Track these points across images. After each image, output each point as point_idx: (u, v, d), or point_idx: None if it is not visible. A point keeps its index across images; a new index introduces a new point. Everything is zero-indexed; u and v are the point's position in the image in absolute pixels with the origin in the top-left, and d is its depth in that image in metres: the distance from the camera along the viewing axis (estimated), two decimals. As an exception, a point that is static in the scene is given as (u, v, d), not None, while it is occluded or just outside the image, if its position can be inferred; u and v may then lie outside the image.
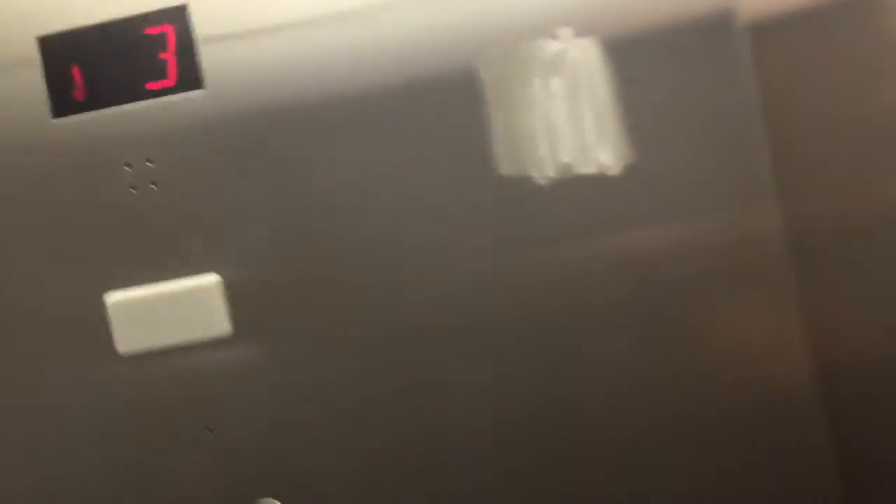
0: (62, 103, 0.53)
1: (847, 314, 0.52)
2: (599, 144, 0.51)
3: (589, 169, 0.51)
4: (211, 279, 0.53)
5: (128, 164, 0.53)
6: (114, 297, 0.53)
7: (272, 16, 0.52)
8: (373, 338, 0.53)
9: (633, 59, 0.51)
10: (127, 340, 0.53)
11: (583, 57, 0.50)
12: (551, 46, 0.51)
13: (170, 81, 0.53)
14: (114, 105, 0.53)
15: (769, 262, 0.51)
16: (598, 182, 0.51)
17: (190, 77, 0.53)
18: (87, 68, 0.53)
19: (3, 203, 0.53)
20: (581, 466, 0.53)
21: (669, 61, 0.51)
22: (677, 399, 0.52)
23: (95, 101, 0.53)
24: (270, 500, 0.54)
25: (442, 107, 0.52)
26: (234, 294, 0.53)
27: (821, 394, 0.51)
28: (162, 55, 0.53)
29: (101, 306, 0.53)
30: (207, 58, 0.53)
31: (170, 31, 0.53)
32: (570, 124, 0.51)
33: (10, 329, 0.53)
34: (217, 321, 0.53)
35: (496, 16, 0.51)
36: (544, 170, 0.51)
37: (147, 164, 0.53)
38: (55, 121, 0.53)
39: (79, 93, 0.53)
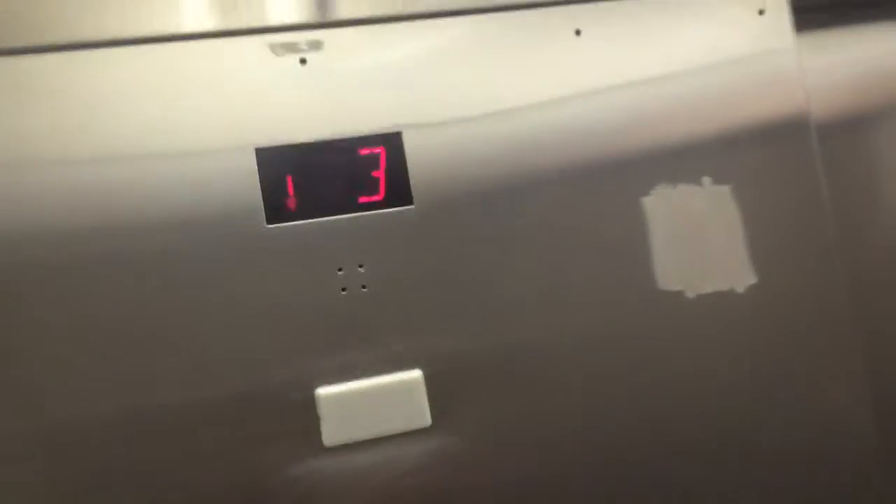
0: (276, 211, 0.58)
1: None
2: (730, 267, 0.65)
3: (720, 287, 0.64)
4: (414, 374, 0.59)
5: (340, 269, 0.58)
6: (324, 391, 0.57)
7: (475, 138, 0.61)
8: (572, 428, 0.61)
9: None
10: (334, 433, 0.57)
11: (716, 200, 0.65)
12: (695, 191, 0.64)
13: (380, 196, 0.60)
14: (326, 215, 0.59)
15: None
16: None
17: (400, 194, 0.60)
18: (301, 180, 0.59)
19: (222, 301, 0.56)
20: None
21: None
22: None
23: (308, 210, 0.59)
24: None
25: (610, 223, 0.63)
26: (433, 387, 0.59)
27: None
28: (374, 173, 0.60)
29: (310, 399, 0.57)
30: (415, 178, 0.60)
31: (382, 152, 0.60)
32: (707, 250, 0.64)
33: (225, 418, 0.55)
34: (418, 413, 0.58)
35: (660, 167, 0.64)
36: (694, 285, 0.64)
37: (358, 269, 0.59)
38: (269, 226, 0.58)
39: (291, 202, 0.58)
